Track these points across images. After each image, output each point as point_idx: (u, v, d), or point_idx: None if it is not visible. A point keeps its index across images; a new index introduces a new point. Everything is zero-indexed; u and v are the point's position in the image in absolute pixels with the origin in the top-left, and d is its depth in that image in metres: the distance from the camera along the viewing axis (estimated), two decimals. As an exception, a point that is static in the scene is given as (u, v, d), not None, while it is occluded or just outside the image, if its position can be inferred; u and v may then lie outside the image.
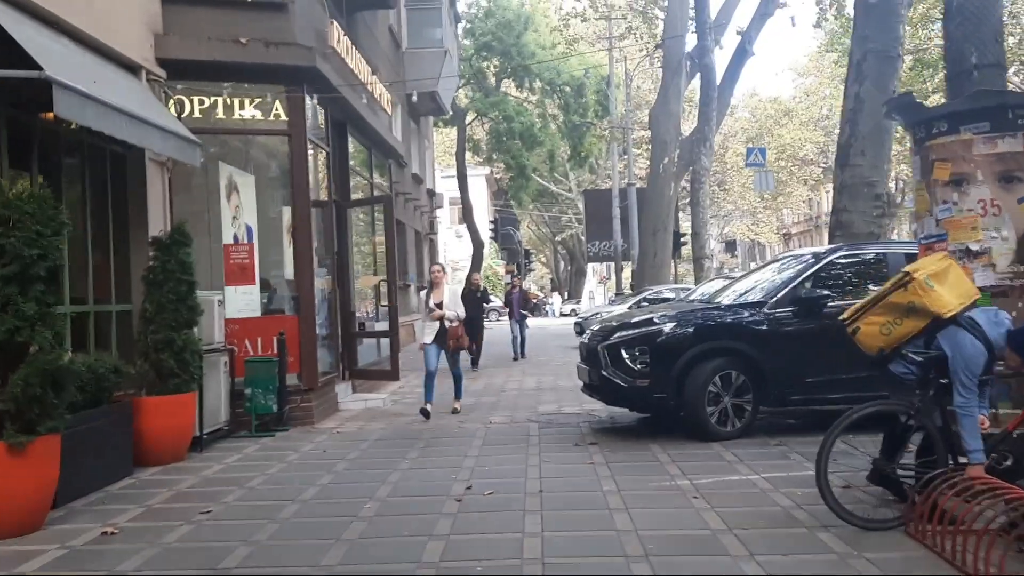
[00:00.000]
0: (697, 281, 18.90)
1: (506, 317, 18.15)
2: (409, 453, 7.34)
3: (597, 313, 21.53)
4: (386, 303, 12.37)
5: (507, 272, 21.25)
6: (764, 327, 7.54)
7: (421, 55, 21.68)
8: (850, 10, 25.80)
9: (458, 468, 6.57)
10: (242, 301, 9.61)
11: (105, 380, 6.39)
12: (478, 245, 33.02)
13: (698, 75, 23.80)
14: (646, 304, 17.93)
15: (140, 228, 8.14)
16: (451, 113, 29.31)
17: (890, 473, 4.79)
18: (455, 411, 9.58)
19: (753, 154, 24.97)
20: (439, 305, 9.40)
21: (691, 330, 7.59)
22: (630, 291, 25.45)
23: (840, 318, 4.94)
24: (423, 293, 9.69)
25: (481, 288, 16.42)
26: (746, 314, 7.68)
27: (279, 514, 5.32)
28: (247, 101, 9.23)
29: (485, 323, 17.52)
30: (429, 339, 9.43)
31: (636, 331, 7.78)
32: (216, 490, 6.08)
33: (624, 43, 32.60)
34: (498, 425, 8.79)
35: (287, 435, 8.54)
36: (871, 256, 8.09)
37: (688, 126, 27.03)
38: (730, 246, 62.48)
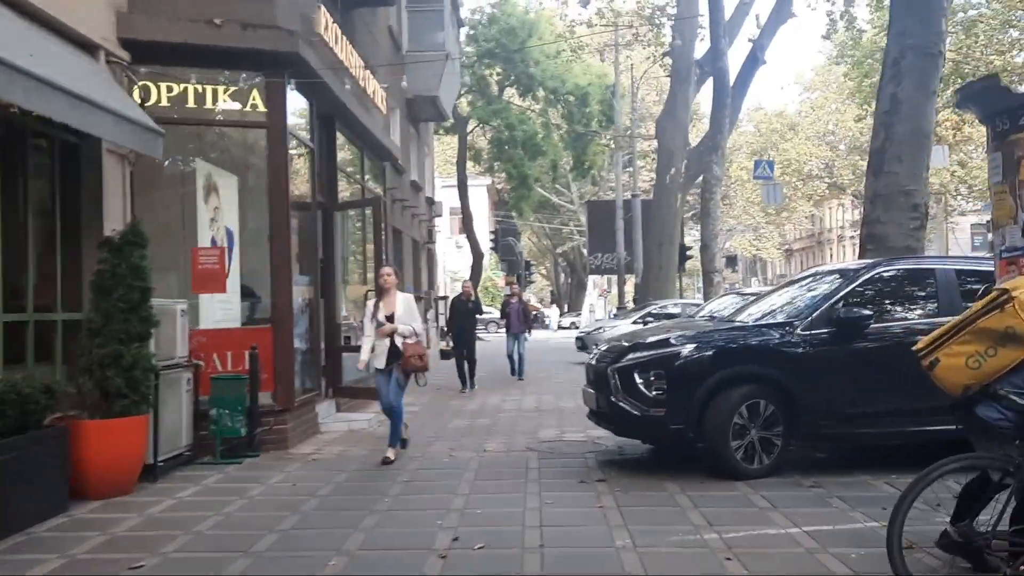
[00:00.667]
0: (706, 296, 17.98)
1: (504, 330, 16.63)
2: (391, 489, 6.40)
3: (600, 328, 20.65)
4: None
5: (507, 284, 20.19)
6: (797, 351, 6.62)
7: (422, 58, 20.92)
8: (860, 22, 25.20)
9: (445, 511, 5.63)
10: (220, 311, 8.73)
11: (32, 402, 5.46)
12: (478, 256, 32.18)
13: (705, 84, 23.10)
14: (652, 319, 17.05)
15: (94, 228, 7.20)
16: (452, 120, 28.52)
17: (977, 542, 3.84)
18: (387, 460, 7.37)
19: (761, 166, 24.21)
20: (390, 318, 7.54)
21: (714, 353, 6.66)
22: (633, 305, 24.61)
23: (914, 348, 4.02)
24: (369, 303, 7.75)
25: (473, 298, 14.67)
26: (776, 335, 6.76)
27: (224, 570, 4.39)
28: (221, 89, 8.32)
29: (483, 336, 16.33)
30: (381, 363, 7.49)
31: (651, 353, 6.85)
32: (157, 535, 5.14)
33: (631, 51, 31.89)
34: (493, 454, 7.85)
35: (256, 462, 7.61)
36: (917, 272, 7.17)
37: (694, 138, 26.21)
38: (731, 261, 61.75)
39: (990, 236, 4.87)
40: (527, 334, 15.83)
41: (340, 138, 11.49)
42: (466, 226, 32.36)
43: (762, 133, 44.67)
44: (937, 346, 3.89)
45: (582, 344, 20.43)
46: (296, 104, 9.26)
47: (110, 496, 6.15)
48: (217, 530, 5.28)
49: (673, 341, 6.91)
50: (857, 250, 9.51)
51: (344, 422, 9.81)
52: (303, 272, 9.72)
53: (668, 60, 24.10)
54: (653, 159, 29.36)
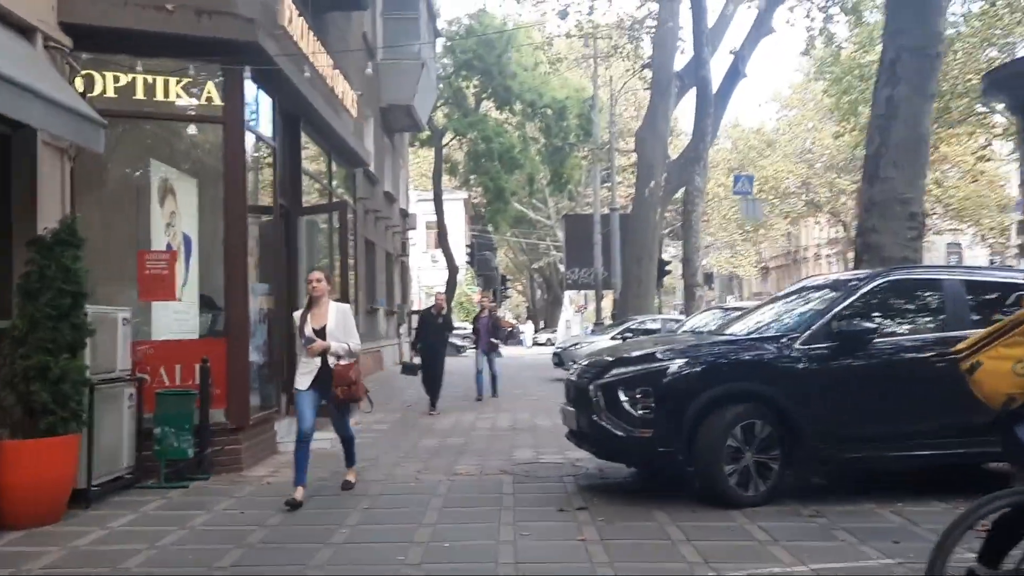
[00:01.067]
0: (687, 312, 17.50)
1: (474, 348, 15.57)
2: (349, 517, 5.78)
3: (577, 343, 20.08)
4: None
5: (482, 299, 19.44)
6: (796, 367, 6.08)
7: (397, 66, 20.50)
8: (839, 39, 25.07)
9: (408, 543, 5.02)
10: (175, 322, 8.08)
11: (-62, 420, 4.81)
12: (453, 270, 31.60)
13: (685, 98, 22.80)
14: (630, 336, 16.52)
15: (27, 227, 6.51)
16: (427, 130, 28.01)
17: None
18: (347, 484, 6.73)
19: (741, 181, 23.94)
20: (320, 333, 6.43)
21: (706, 368, 6.12)
22: (611, 320, 24.10)
23: (953, 350, 3.49)
24: (297, 314, 6.63)
25: (444, 312, 13.21)
26: (772, 350, 6.22)
27: (146, 620, 3.76)
28: (173, 80, 7.69)
29: (459, 355, 15.24)
30: (304, 383, 6.36)
31: (637, 368, 6.27)
32: (77, 573, 4.48)
33: (609, 65, 31.58)
34: (464, 478, 7.24)
35: (205, 486, 6.94)
36: (922, 282, 6.69)
37: (673, 152, 25.88)
38: (708, 278, 61.70)
39: (1017, 240, 4.34)
40: (498, 350, 14.82)
41: (308, 142, 10.90)
42: (441, 240, 31.79)
43: (739, 150, 44.58)
44: (980, 347, 3.35)
45: (559, 360, 19.83)
46: (257, 100, 8.66)
47: (32, 525, 5.48)
48: (147, 567, 4.62)
49: (660, 356, 6.35)
50: (833, 268, 9.03)
51: (305, 441, 9.12)
52: (262, 280, 9.09)
53: (647, 72, 23.79)
54: (631, 173, 29.00)
